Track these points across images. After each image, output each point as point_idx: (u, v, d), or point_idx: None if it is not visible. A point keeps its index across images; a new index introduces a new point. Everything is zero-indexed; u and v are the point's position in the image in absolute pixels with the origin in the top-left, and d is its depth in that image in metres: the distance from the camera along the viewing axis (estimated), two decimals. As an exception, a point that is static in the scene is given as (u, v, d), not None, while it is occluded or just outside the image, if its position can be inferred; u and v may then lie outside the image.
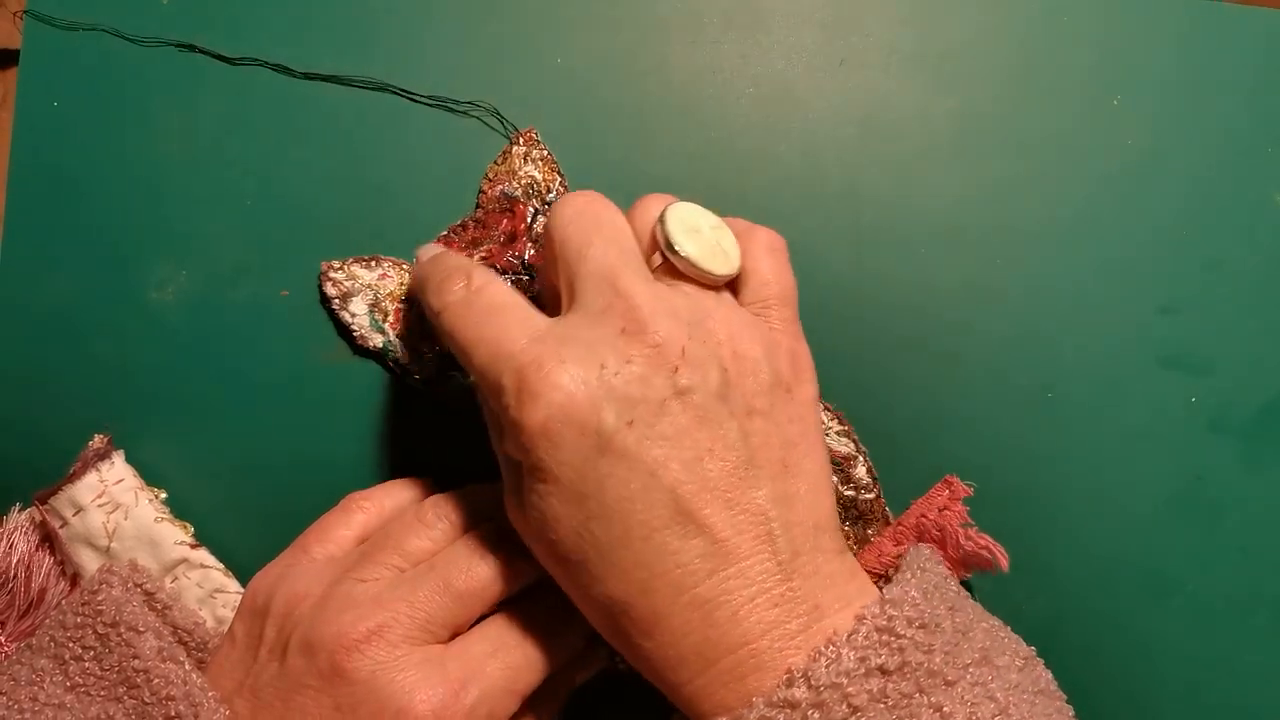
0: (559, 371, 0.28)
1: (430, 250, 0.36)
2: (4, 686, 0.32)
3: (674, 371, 0.29)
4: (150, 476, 0.38)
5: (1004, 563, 0.35)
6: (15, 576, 0.36)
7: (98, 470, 0.36)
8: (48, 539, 0.36)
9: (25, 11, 0.39)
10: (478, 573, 0.32)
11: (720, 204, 0.39)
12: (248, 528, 0.37)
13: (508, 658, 0.32)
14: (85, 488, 0.36)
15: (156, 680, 0.31)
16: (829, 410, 0.39)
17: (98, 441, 0.37)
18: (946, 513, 0.37)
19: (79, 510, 0.36)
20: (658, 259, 0.32)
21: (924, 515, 0.38)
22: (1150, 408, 0.40)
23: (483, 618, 0.33)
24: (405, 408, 0.39)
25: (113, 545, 0.36)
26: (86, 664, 0.32)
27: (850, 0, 0.41)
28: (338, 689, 0.30)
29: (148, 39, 0.39)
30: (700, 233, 0.32)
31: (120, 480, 0.37)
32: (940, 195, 0.40)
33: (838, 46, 0.41)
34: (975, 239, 0.40)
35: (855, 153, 0.40)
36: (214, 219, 0.39)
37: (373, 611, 0.31)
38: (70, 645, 0.32)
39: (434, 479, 0.38)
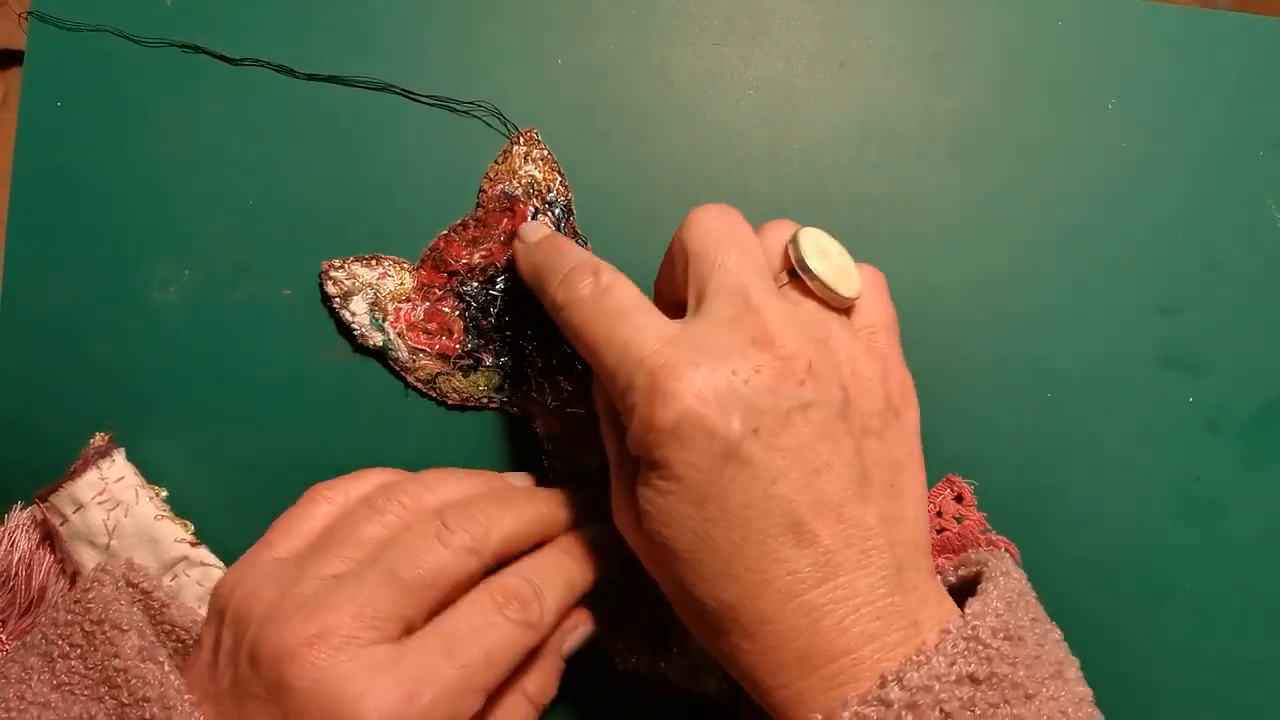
0: (692, 374, 0.28)
1: (536, 230, 0.37)
2: None
3: (800, 385, 0.29)
4: (151, 475, 0.38)
5: (1016, 557, 0.36)
6: (16, 575, 0.36)
7: (98, 468, 0.36)
8: (48, 537, 0.36)
9: (30, 12, 0.39)
10: (427, 561, 0.31)
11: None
12: (248, 526, 0.37)
13: (464, 655, 0.30)
14: (86, 485, 0.36)
15: (134, 680, 0.30)
16: None
17: (99, 439, 0.37)
18: (968, 522, 0.38)
19: (79, 508, 0.36)
20: (785, 277, 0.33)
21: (939, 522, 0.38)
22: (1149, 408, 0.40)
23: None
24: (405, 407, 0.39)
25: (113, 543, 0.36)
26: (73, 662, 0.31)
27: (849, 3, 0.41)
28: (284, 699, 0.29)
29: (150, 39, 0.40)
30: (829, 255, 0.33)
31: (121, 478, 0.37)
32: (939, 196, 0.40)
33: (837, 49, 0.41)
34: (974, 240, 0.40)
35: (854, 154, 0.40)
36: (215, 218, 0.39)
37: (316, 614, 0.30)
38: (59, 643, 0.31)
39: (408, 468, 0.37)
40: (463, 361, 0.39)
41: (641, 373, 0.29)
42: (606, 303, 0.31)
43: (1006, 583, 0.31)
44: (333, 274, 0.38)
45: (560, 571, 0.34)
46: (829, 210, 0.40)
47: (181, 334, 0.39)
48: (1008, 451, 0.38)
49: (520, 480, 0.38)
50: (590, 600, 0.36)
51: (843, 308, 0.33)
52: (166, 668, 0.30)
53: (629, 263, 0.39)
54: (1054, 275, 0.40)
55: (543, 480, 0.38)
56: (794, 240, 0.32)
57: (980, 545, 0.37)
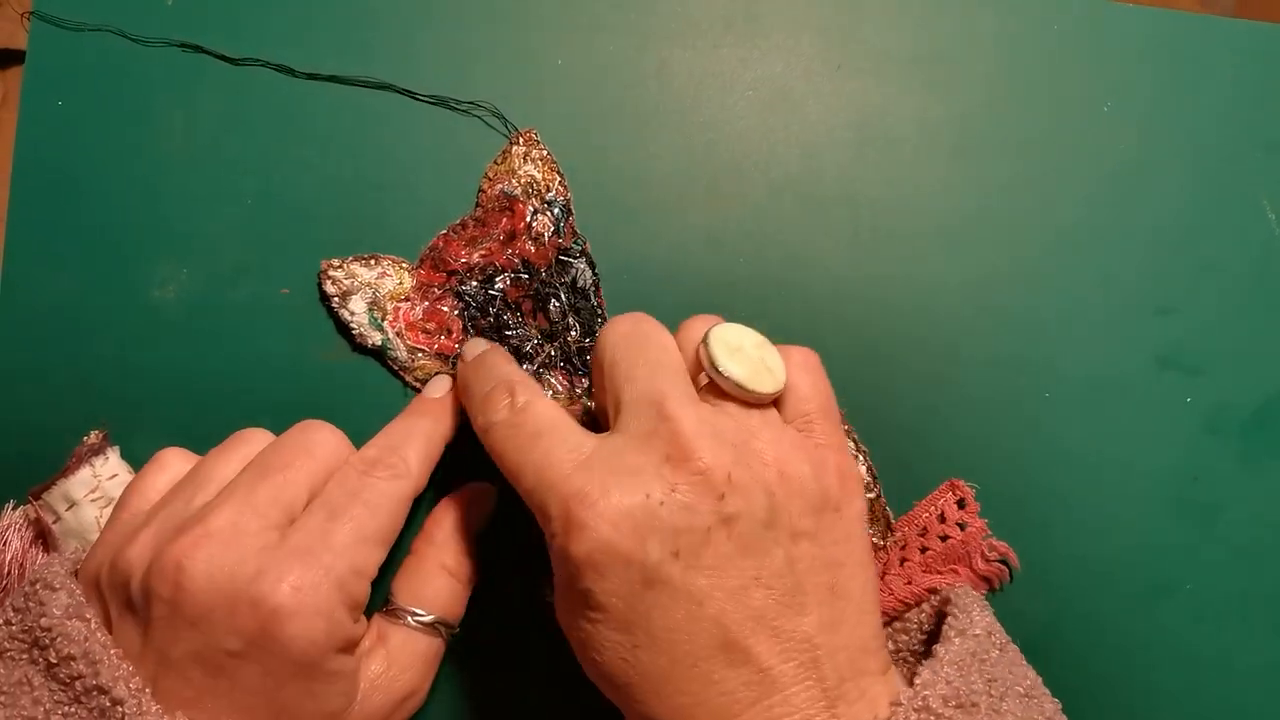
0: (604, 503, 0.28)
1: (474, 347, 0.36)
2: None
3: (719, 499, 0.28)
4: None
5: (1015, 563, 0.36)
6: (9, 573, 0.35)
7: (91, 465, 0.36)
8: (42, 536, 0.36)
9: (30, 12, 0.39)
10: (282, 443, 0.32)
11: (720, 205, 0.40)
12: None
13: (345, 513, 0.31)
14: (79, 483, 0.36)
15: (59, 639, 0.29)
16: None
17: (93, 437, 0.37)
18: (970, 529, 0.38)
19: (72, 505, 0.36)
20: (704, 379, 0.32)
21: (941, 528, 0.38)
22: (1147, 408, 0.40)
23: None
24: (404, 407, 0.39)
25: (105, 540, 0.36)
26: (13, 627, 0.30)
27: (847, 6, 0.41)
28: (185, 608, 0.28)
29: (151, 39, 0.40)
30: (744, 351, 0.31)
31: (114, 475, 0.36)
32: (936, 198, 0.40)
33: (835, 51, 0.41)
34: (972, 241, 0.40)
35: (852, 156, 0.41)
36: (215, 218, 0.39)
37: (195, 523, 0.30)
38: (3, 610, 0.30)
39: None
40: None
41: (555, 501, 0.29)
42: (522, 424, 0.31)
43: (961, 642, 0.30)
44: (331, 273, 0.38)
45: (413, 429, 0.35)
46: (826, 212, 0.40)
47: (180, 333, 0.39)
48: (1006, 452, 0.38)
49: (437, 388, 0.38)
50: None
51: (765, 403, 0.32)
52: (94, 624, 0.29)
53: (628, 263, 0.40)
54: (1052, 277, 0.40)
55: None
56: (705, 341, 0.31)
57: (982, 552, 0.37)
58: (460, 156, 0.40)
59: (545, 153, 0.40)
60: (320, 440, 0.33)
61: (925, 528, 0.38)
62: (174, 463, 0.35)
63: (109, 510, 0.36)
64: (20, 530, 0.36)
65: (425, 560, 0.34)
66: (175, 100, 0.40)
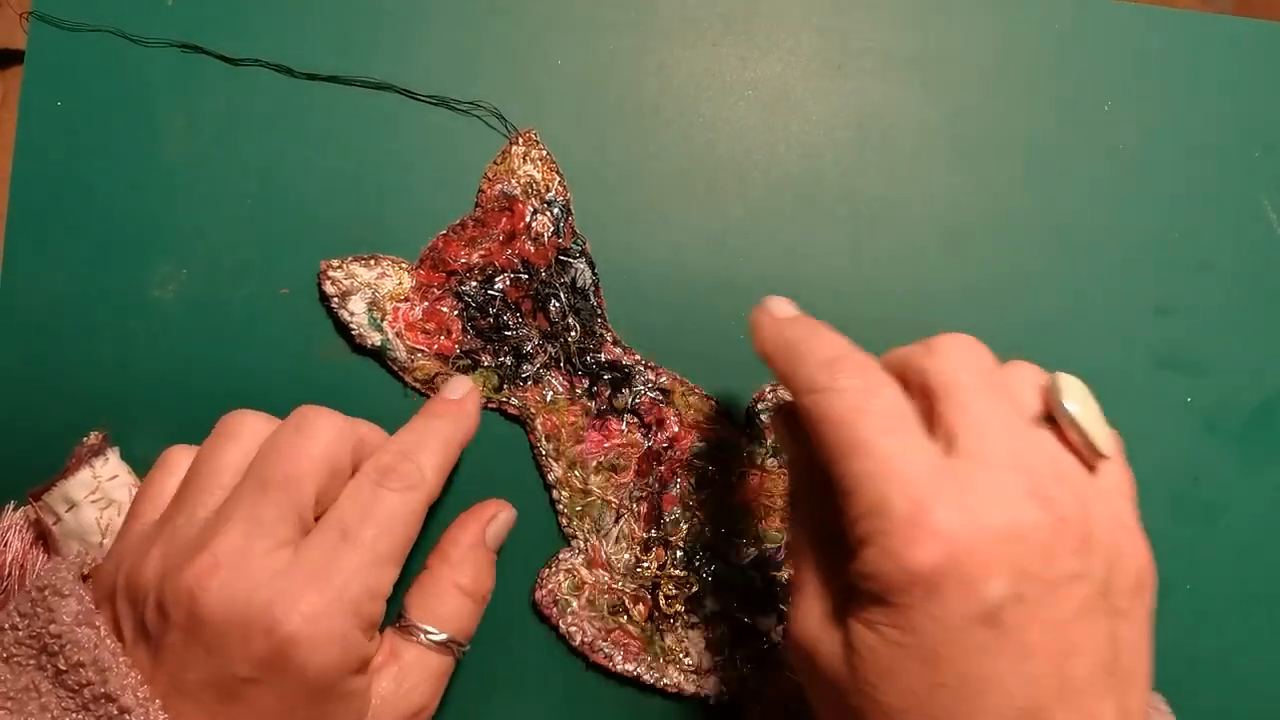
0: (961, 517, 0.25)
1: (785, 307, 0.33)
2: None
3: (1073, 553, 0.26)
4: (145, 473, 0.37)
5: None
6: (10, 574, 0.35)
7: (91, 466, 0.36)
8: (42, 537, 0.36)
9: (30, 13, 0.39)
10: (292, 452, 0.31)
11: (720, 205, 0.40)
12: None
13: (358, 533, 0.30)
14: (79, 484, 0.36)
15: (69, 645, 0.28)
16: None
17: (93, 438, 0.37)
18: None
19: (72, 506, 0.36)
20: (1041, 423, 0.29)
21: None
22: (1147, 408, 0.40)
23: None
24: (404, 406, 0.39)
25: (106, 542, 0.36)
26: (20, 633, 0.29)
27: (847, 5, 0.41)
28: (201, 635, 0.28)
29: (151, 40, 0.40)
30: (1089, 403, 0.29)
31: (114, 476, 0.36)
32: (936, 197, 0.40)
33: (835, 51, 0.41)
34: (971, 240, 0.40)
35: (852, 155, 0.41)
36: (215, 218, 0.39)
37: (204, 546, 0.29)
38: (9, 614, 0.30)
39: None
40: (461, 361, 0.38)
41: (902, 498, 0.26)
42: (874, 404, 0.28)
43: None
44: (331, 274, 0.38)
45: (429, 434, 0.33)
46: (827, 211, 0.40)
47: (180, 333, 0.39)
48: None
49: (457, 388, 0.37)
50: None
51: (1094, 466, 0.29)
52: (103, 632, 0.29)
53: (628, 263, 0.40)
54: (1051, 276, 0.40)
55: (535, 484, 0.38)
56: (1055, 388, 0.29)
57: None
58: (460, 157, 0.40)
59: (544, 153, 0.40)
60: (320, 436, 0.31)
61: None
62: (181, 462, 0.33)
63: (109, 511, 0.36)
64: (20, 531, 0.36)
65: (440, 579, 0.34)
66: (175, 100, 0.40)
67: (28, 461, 0.37)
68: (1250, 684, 0.39)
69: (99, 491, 0.36)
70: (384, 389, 0.39)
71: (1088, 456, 0.29)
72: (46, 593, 0.30)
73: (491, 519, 0.36)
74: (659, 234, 0.40)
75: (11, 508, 0.37)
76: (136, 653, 0.29)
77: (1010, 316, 0.40)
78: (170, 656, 0.28)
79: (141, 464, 0.38)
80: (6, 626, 0.30)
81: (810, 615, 0.29)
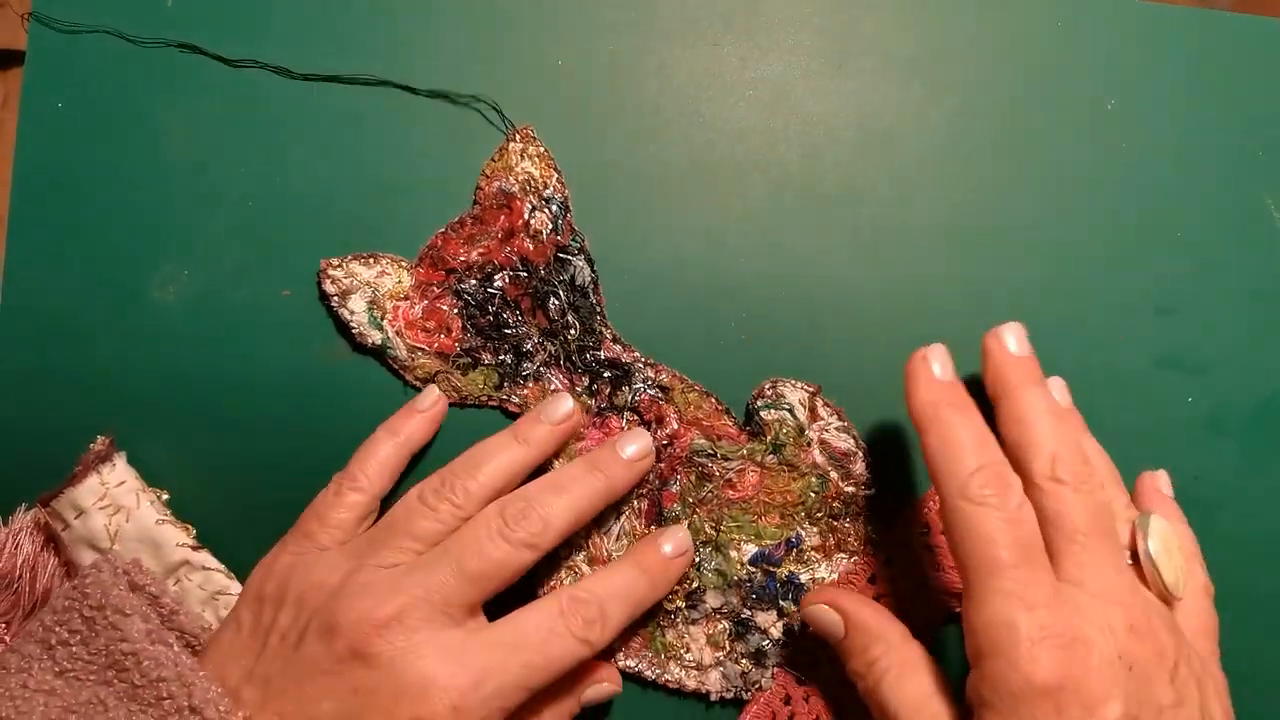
0: (1084, 646, 0.29)
1: (943, 367, 0.35)
2: None
3: (1169, 684, 0.30)
4: (153, 476, 0.38)
5: None
6: (21, 577, 0.36)
7: (99, 473, 0.36)
8: (52, 539, 0.36)
9: (30, 14, 0.39)
10: (490, 555, 0.33)
11: (720, 204, 0.40)
12: (249, 529, 0.37)
13: (527, 656, 0.32)
14: (86, 491, 0.36)
15: (146, 662, 0.31)
16: (829, 406, 0.39)
17: (99, 444, 0.37)
18: None
19: (80, 513, 0.36)
20: (1127, 556, 0.33)
21: (931, 510, 0.39)
22: (1148, 408, 0.40)
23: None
24: (460, 440, 0.39)
25: (115, 547, 0.36)
26: (74, 648, 0.32)
27: (847, 4, 0.41)
28: (356, 672, 0.30)
29: (151, 40, 0.40)
30: (1172, 556, 0.33)
31: (122, 482, 0.37)
32: (937, 197, 0.40)
33: (835, 50, 0.41)
34: (972, 240, 0.40)
35: (853, 155, 0.40)
36: (216, 219, 0.39)
37: (391, 596, 0.31)
38: (57, 630, 0.32)
39: (401, 430, 0.38)
40: (461, 359, 0.39)
41: (1028, 619, 0.29)
42: (1016, 535, 0.31)
43: None
44: (331, 272, 0.38)
45: (630, 591, 0.35)
46: (827, 211, 0.40)
47: (183, 334, 0.39)
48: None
49: (559, 409, 0.38)
50: None
51: (1168, 603, 0.33)
52: (176, 648, 0.31)
53: (628, 263, 0.40)
54: (1053, 275, 0.40)
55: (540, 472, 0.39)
56: (1143, 526, 0.33)
57: None
58: (460, 155, 0.39)
59: (542, 149, 0.39)
60: (517, 556, 0.33)
61: (927, 524, 0.39)
62: (349, 496, 0.36)
63: (117, 517, 0.36)
64: (31, 534, 0.36)
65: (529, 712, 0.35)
66: (176, 101, 0.40)
67: (35, 463, 0.38)
68: (1250, 684, 0.39)
69: (107, 498, 0.36)
70: (386, 389, 0.39)
71: (1165, 595, 0.33)
72: (108, 611, 0.32)
73: (598, 682, 0.37)
74: (659, 234, 0.40)
75: (23, 510, 0.37)
76: (266, 654, 0.32)
77: (1010, 316, 0.39)
78: (314, 681, 0.31)
79: (148, 467, 0.38)
80: (56, 643, 0.32)
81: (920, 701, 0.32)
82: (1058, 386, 0.37)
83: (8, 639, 0.35)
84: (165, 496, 0.38)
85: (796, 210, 0.40)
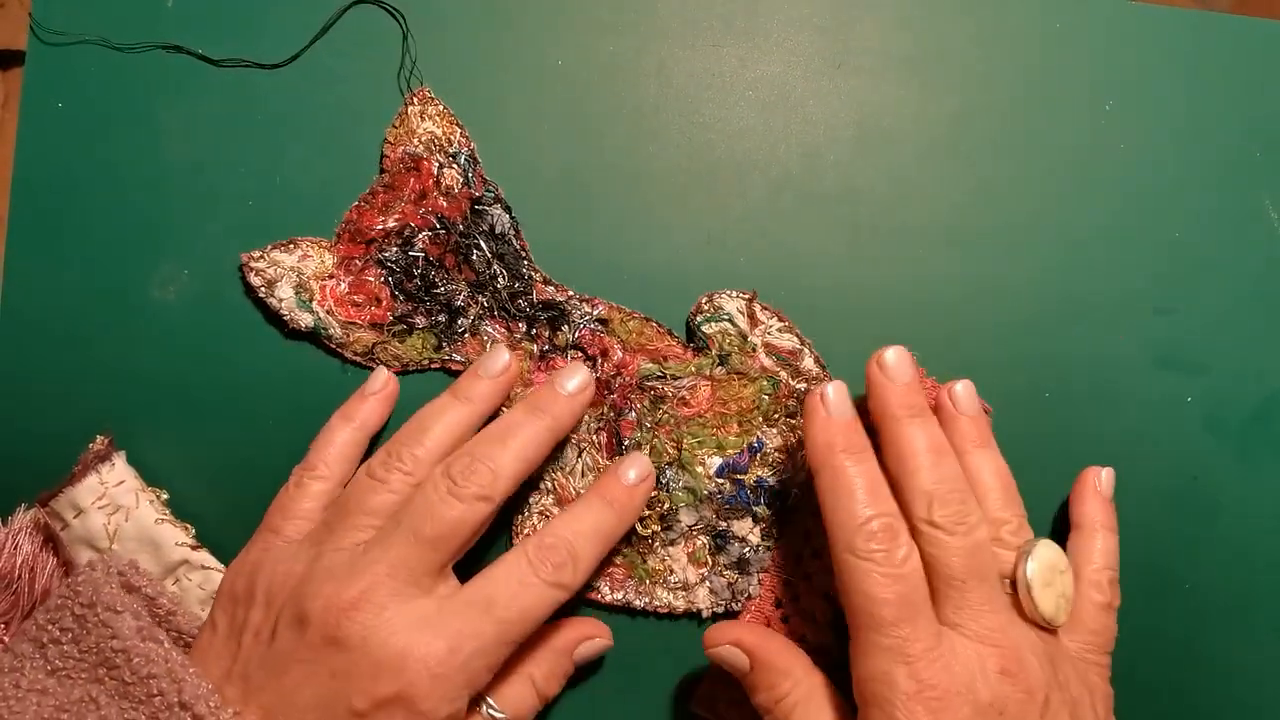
0: (956, 694, 0.31)
1: (841, 406, 0.35)
2: None
3: (1039, 717, 0.31)
4: (152, 476, 0.38)
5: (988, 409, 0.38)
6: (20, 577, 0.35)
7: (98, 472, 0.36)
8: (51, 540, 0.36)
9: (30, 15, 0.39)
10: (444, 516, 0.33)
11: (720, 205, 0.40)
12: (249, 528, 0.37)
13: (501, 612, 0.32)
14: (85, 490, 0.36)
15: (137, 659, 0.31)
16: (767, 309, 0.39)
17: (98, 443, 0.37)
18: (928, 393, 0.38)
19: (79, 512, 0.36)
20: (1007, 585, 0.34)
21: None
22: (1147, 408, 0.40)
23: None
24: (408, 406, 0.39)
25: (114, 547, 0.36)
26: (65, 646, 0.31)
27: (847, 5, 0.41)
28: (331, 657, 0.30)
29: (151, 41, 0.40)
30: (1053, 585, 0.34)
31: (121, 482, 0.37)
32: (936, 197, 0.40)
33: (835, 50, 0.41)
34: (971, 240, 0.40)
35: (852, 154, 0.40)
36: (215, 219, 0.39)
37: (354, 577, 0.31)
38: (49, 629, 0.32)
39: (356, 415, 0.38)
40: (396, 327, 0.39)
41: (906, 677, 0.31)
42: (898, 590, 0.32)
43: None
44: (253, 264, 0.38)
45: (598, 528, 0.35)
46: (826, 211, 0.40)
47: (183, 334, 0.39)
48: (1005, 451, 0.38)
49: (496, 362, 0.38)
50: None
51: (1049, 631, 0.34)
52: (167, 645, 0.31)
53: (628, 263, 0.40)
54: (1051, 276, 0.40)
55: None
56: (1025, 553, 0.34)
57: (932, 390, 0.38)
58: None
59: (441, 108, 0.39)
60: (480, 509, 0.33)
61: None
62: (311, 486, 0.36)
63: (116, 517, 0.36)
64: (30, 534, 0.36)
65: (517, 664, 0.35)
66: (176, 101, 0.40)
67: (34, 463, 0.38)
68: (1250, 684, 0.39)
69: (106, 498, 0.36)
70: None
71: (1043, 624, 0.33)
72: (99, 609, 0.32)
73: (588, 639, 0.37)
74: (659, 233, 0.40)
75: (23, 509, 0.37)
76: (242, 652, 0.32)
77: (1010, 316, 0.40)
78: (291, 671, 0.31)
79: (147, 467, 0.38)
80: (47, 641, 0.31)
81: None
82: (965, 394, 0.37)
83: (6, 639, 0.35)
84: (164, 496, 0.38)
85: (796, 210, 0.40)
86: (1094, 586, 0.36)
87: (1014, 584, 0.34)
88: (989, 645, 0.32)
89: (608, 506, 0.35)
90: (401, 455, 0.35)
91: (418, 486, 0.34)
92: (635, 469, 0.37)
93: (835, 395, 0.35)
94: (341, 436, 0.37)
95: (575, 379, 0.37)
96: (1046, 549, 0.34)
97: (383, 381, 0.38)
